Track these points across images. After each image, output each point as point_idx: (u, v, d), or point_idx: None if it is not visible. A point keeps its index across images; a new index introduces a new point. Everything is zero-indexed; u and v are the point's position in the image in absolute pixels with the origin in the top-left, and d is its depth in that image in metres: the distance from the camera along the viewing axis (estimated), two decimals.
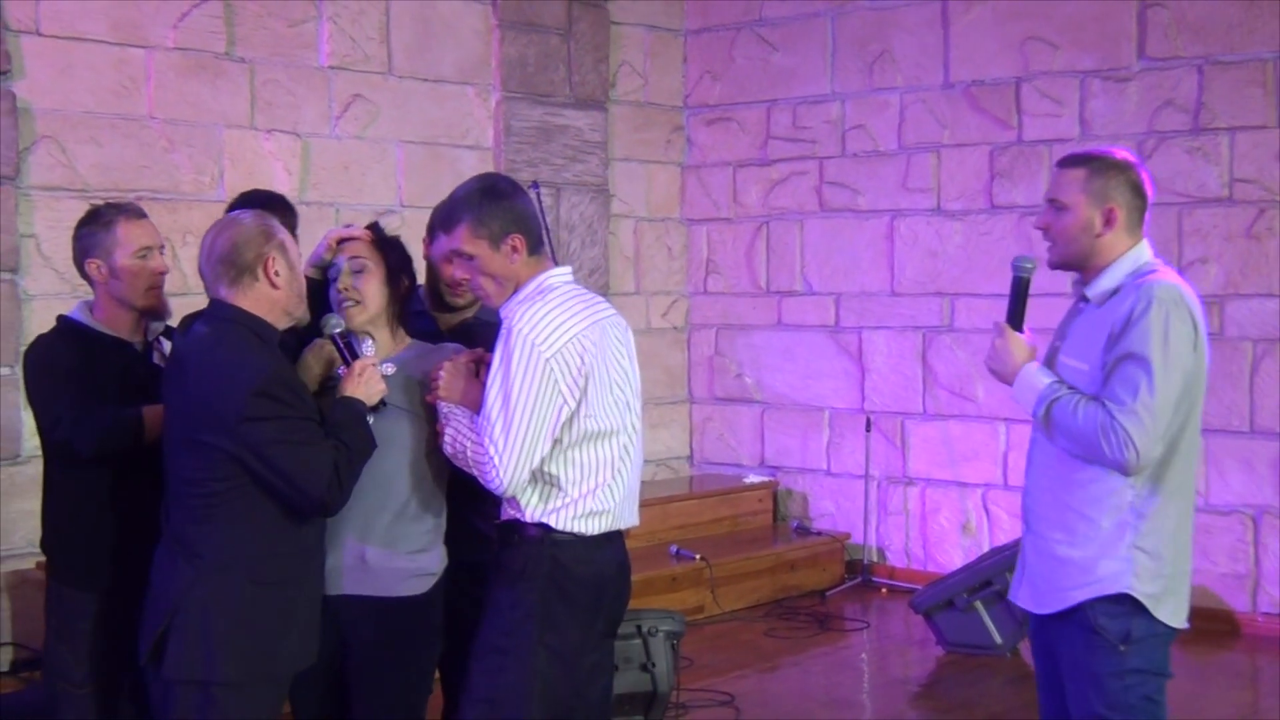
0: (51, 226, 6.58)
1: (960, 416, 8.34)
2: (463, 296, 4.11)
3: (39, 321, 6.13)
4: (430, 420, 3.75)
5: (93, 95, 6.76)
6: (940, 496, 8.45)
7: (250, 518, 3.52)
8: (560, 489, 3.63)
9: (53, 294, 6.48)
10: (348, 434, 3.57)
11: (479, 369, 3.73)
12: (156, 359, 4.11)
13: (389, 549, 3.72)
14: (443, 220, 3.73)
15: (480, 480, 3.61)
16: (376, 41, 7.82)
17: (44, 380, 4.00)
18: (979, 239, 8.21)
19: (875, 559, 8.63)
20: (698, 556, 7.79)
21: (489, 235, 3.63)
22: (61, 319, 4.11)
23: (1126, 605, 3.54)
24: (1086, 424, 3.48)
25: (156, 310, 4.07)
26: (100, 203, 4.23)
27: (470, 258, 3.67)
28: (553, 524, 3.63)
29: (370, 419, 3.66)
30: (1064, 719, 3.69)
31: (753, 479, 9.10)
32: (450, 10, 8.17)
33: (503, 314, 3.68)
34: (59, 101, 6.64)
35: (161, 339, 4.15)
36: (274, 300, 3.62)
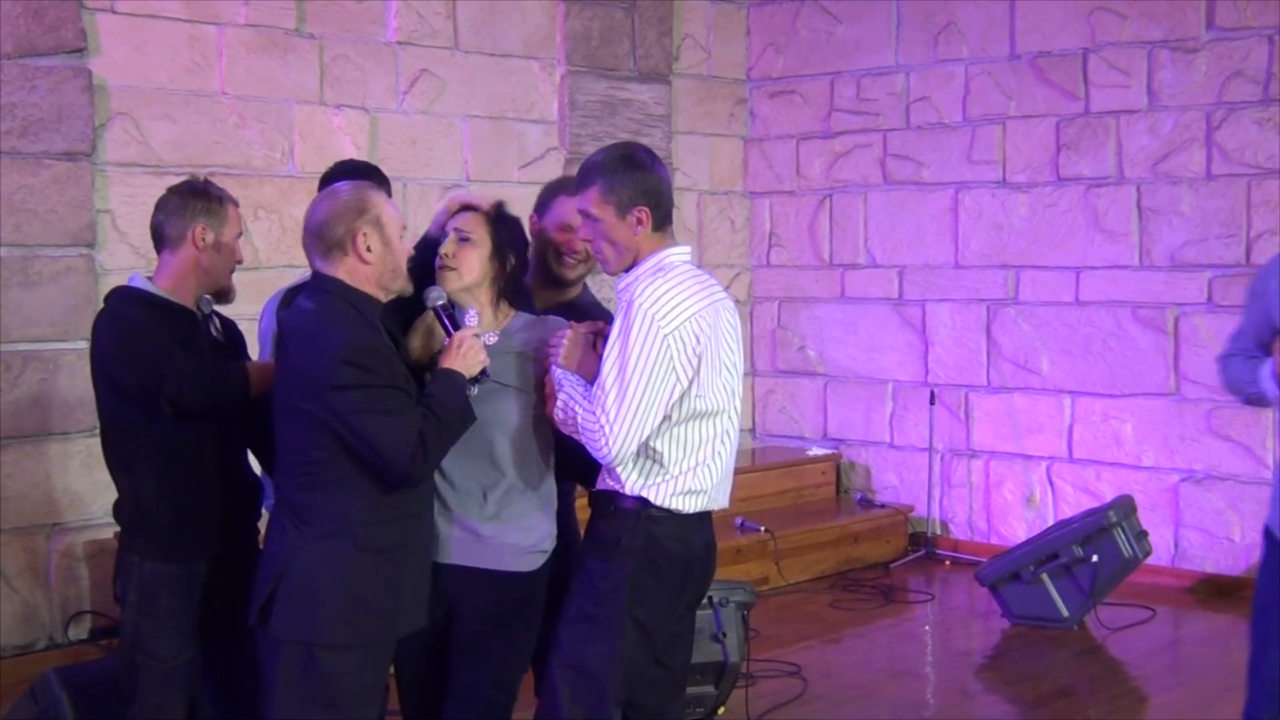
0: (126, 202, 6.67)
1: (1025, 389, 8.33)
2: (573, 270, 4.14)
3: None
4: (536, 393, 3.77)
5: (166, 72, 6.84)
6: (1004, 469, 8.44)
7: (350, 484, 3.57)
8: (661, 465, 3.69)
9: (128, 268, 6.53)
10: (439, 405, 3.58)
11: (596, 341, 3.76)
12: (213, 332, 4.14)
13: (502, 524, 3.74)
14: (577, 181, 3.78)
15: (588, 448, 3.65)
16: (443, 17, 7.86)
17: (132, 342, 3.94)
18: (1045, 211, 8.17)
19: (939, 532, 8.64)
20: (762, 528, 7.83)
21: (617, 203, 3.68)
22: (122, 289, 4.08)
23: None
24: None
25: (228, 291, 4.12)
26: (199, 176, 4.22)
27: (596, 220, 3.71)
28: (651, 499, 3.69)
29: (473, 390, 3.67)
30: None
31: (816, 451, 9.12)
32: None
33: (619, 286, 3.73)
34: (133, 78, 6.73)
35: (214, 315, 4.18)
36: (366, 274, 3.65)
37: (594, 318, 3.97)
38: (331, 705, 3.59)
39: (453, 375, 3.64)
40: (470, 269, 3.80)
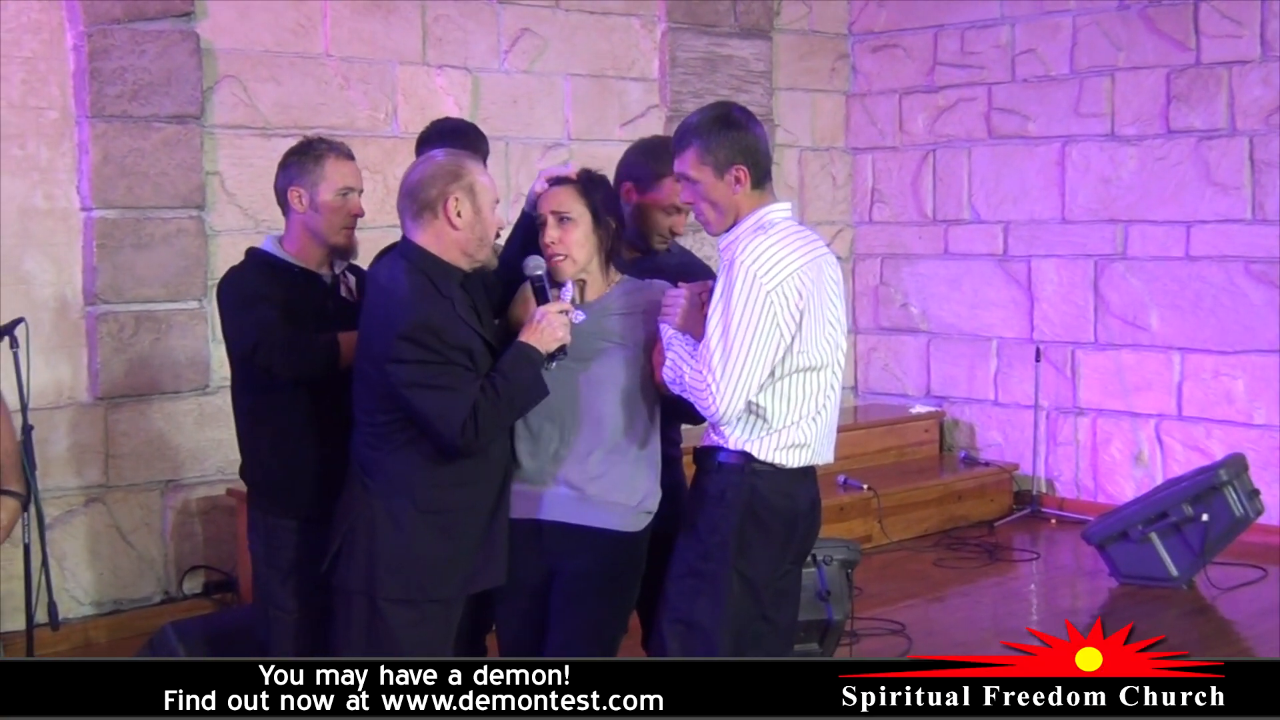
0: (235, 164, 6.77)
1: (1133, 346, 8.20)
2: (665, 244, 4.17)
3: (224, 257, 6.31)
4: (645, 354, 3.79)
5: (271, 34, 6.92)
6: (1111, 427, 8.33)
7: (413, 448, 3.66)
8: (765, 420, 3.69)
9: (237, 229, 6.67)
10: (502, 380, 3.62)
11: (705, 301, 3.75)
12: (344, 293, 4.18)
13: (608, 482, 3.77)
14: (674, 143, 3.79)
15: (696, 406, 3.67)
16: None
17: (240, 307, 4.06)
18: (1155, 164, 8.02)
19: (1044, 490, 8.55)
20: (865, 486, 7.81)
21: (714, 163, 3.69)
22: (252, 251, 4.17)
23: None
24: None
25: (346, 249, 4.14)
26: (314, 135, 4.28)
27: (694, 182, 3.73)
28: (754, 453, 3.70)
29: (551, 366, 3.69)
30: None
31: (919, 409, 9.07)
32: None
33: (721, 245, 3.74)
34: (240, 41, 6.81)
35: (348, 273, 4.22)
36: (453, 240, 3.69)
37: (689, 276, 3.96)
38: (392, 656, 3.64)
39: (526, 350, 3.67)
40: (580, 248, 3.80)
